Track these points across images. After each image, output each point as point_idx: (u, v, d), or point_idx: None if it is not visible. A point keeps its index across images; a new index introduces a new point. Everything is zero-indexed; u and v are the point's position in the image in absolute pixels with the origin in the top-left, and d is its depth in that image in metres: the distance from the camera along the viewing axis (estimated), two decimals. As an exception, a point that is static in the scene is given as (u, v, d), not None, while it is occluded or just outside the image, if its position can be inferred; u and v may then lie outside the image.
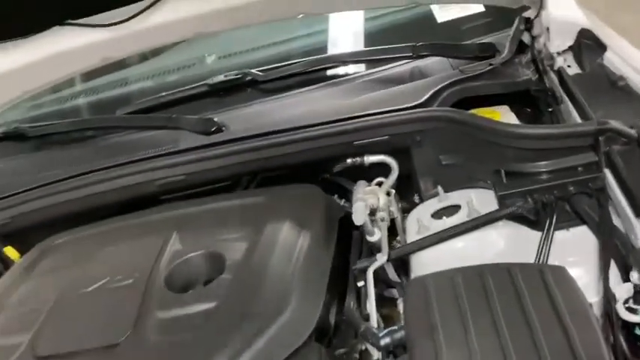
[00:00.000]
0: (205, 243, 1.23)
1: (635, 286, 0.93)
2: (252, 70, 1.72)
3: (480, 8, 1.66)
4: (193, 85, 1.76)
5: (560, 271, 0.97)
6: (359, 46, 1.83)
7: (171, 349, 0.99)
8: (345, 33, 1.94)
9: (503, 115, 1.42)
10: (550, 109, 1.48)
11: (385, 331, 1.02)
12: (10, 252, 1.57)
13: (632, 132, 1.15)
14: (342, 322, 1.21)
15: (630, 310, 0.92)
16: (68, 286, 1.21)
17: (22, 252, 1.59)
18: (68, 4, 1.35)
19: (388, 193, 1.38)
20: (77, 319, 1.12)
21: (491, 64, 1.47)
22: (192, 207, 1.41)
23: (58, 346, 1.05)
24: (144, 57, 2.04)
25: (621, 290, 0.96)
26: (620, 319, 0.94)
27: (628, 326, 0.94)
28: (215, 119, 1.58)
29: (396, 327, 1.02)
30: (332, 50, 1.87)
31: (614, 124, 1.17)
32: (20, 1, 1.31)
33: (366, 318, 1.13)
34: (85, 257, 1.31)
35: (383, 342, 1.01)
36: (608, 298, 0.97)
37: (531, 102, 1.55)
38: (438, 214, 1.31)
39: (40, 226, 1.57)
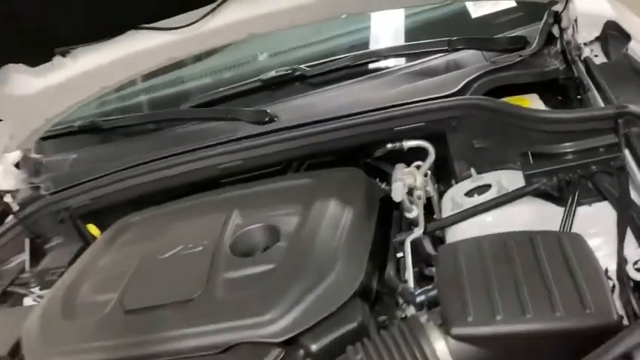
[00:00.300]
0: (262, 217, 1.40)
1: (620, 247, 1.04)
2: (301, 66, 1.88)
3: (511, 4, 1.77)
4: (248, 81, 1.93)
5: (576, 238, 1.09)
6: (399, 41, 1.96)
7: (236, 303, 1.16)
8: (386, 29, 2.07)
9: (532, 102, 1.53)
10: (579, 97, 1.58)
11: (420, 290, 1.17)
12: (92, 229, 1.80)
13: (648, 115, 1.26)
14: (384, 292, 1.36)
15: (639, 270, 1.04)
16: (147, 254, 1.41)
17: (101, 230, 1.82)
18: (142, 10, 1.54)
19: (425, 175, 1.52)
20: (157, 280, 1.31)
21: (520, 56, 1.59)
22: (249, 188, 1.59)
23: (142, 301, 1.24)
24: (198, 57, 2.23)
25: (633, 254, 1.07)
26: (630, 279, 1.05)
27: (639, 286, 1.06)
28: (268, 111, 1.76)
29: (429, 286, 1.17)
30: (373, 46, 2.00)
31: (633, 107, 1.28)
32: (101, 9, 1.51)
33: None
34: (159, 231, 1.51)
35: (418, 299, 1.15)
36: (621, 262, 1.09)
37: (561, 91, 1.66)
38: (470, 193, 1.45)
39: (116, 207, 1.79)
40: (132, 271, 1.35)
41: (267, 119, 1.74)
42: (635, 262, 1.05)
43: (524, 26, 1.71)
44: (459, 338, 0.97)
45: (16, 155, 2.11)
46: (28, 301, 1.67)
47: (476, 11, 1.82)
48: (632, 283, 1.06)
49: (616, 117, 1.29)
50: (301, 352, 1.09)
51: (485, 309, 0.97)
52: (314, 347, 1.09)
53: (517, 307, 0.96)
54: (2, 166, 2.00)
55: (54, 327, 1.29)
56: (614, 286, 1.08)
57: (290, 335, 1.09)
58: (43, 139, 2.06)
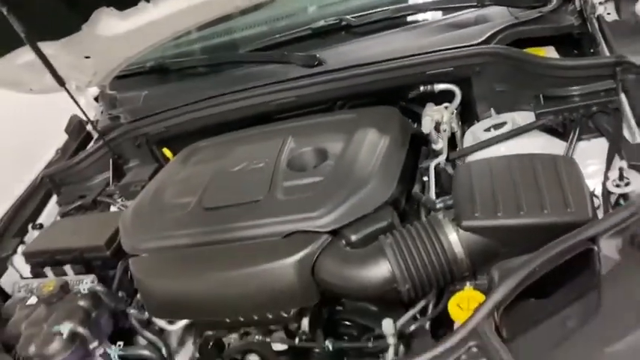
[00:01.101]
0: (313, 142, 1.69)
1: (620, 168, 1.30)
2: (347, 17, 2.13)
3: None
4: (299, 29, 2.20)
5: (568, 160, 1.36)
6: None
7: (293, 203, 1.46)
8: None
9: (548, 52, 1.77)
10: (592, 51, 1.81)
11: (440, 199, 1.46)
12: (166, 152, 2.13)
13: (643, 63, 1.49)
14: (411, 211, 1.64)
15: (616, 185, 1.30)
16: (218, 168, 1.72)
17: (173, 153, 2.15)
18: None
19: (452, 113, 1.78)
20: (228, 187, 1.62)
21: (540, 12, 1.81)
22: (301, 121, 1.88)
23: (218, 202, 1.56)
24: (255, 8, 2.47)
25: (613, 174, 1.33)
26: (610, 193, 1.32)
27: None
28: (317, 55, 2.03)
29: (447, 197, 1.46)
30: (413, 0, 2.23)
31: (631, 58, 1.51)
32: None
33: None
34: (226, 152, 1.82)
35: (438, 205, 1.44)
36: (605, 181, 1.35)
37: (576, 44, 1.88)
38: (488, 129, 1.71)
39: (186, 135, 2.10)
40: (207, 180, 1.67)
41: (315, 63, 2.01)
42: (614, 180, 1.31)
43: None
44: (467, 229, 1.26)
45: (95, 91, 2.45)
46: (113, 209, 2.02)
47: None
48: (612, 197, 1.33)
49: (615, 65, 1.52)
50: (343, 241, 1.40)
51: (489, 208, 1.26)
52: (353, 237, 1.39)
53: (514, 207, 1.24)
54: (85, 99, 2.34)
55: (145, 219, 1.63)
56: (607, 197, 1.34)
57: (335, 227, 1.39)
58: (117, 77, 2.37)
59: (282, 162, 1.63)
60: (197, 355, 1.70)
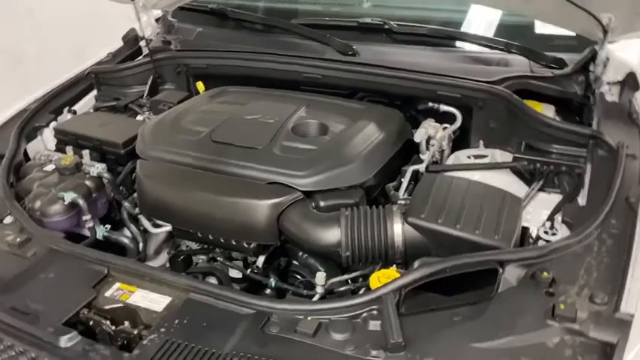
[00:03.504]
0: (320, 117, 1.93)
1: (553, 220, 1.53)
2: (391, 22, 2.34)
3: (571, 33, 2.15)
4: (348, 19, 2.41)
5: (516, 199, 1.58)
6: (488, 32, 2.34)
7: (284, 159, 1.70)
8: (482, 20, 2.45)
9: (546, 109, 1.96)
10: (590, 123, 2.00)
11: (402, 197, 1.70)
12: (199, 86, 2.39)
13: (613, 145, 1.69)
14: (381, 202, 1.87)
15: (545, 232, 1.53)
16: (235, 112, 1.98)
17: (205, 89, 2.41)
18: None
19: (448, 135, 2.00)
20: (237, 130, 1.87)
21: (553, 73, 2.01)
22: (320, 97, 2.12)
23: (225, 138, 1.81)
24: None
25: (547, 223, 1.56)
26: (539, 237, 1.54)
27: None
28: (353, 46, 2.26)
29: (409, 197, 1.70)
30: (466, 27, 2.36)
31: (605, 136, 1.72)
32: None
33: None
34: (247, 101, 2.07)
35: (399, 201, 1.68)
36: (540, 226, 1.57)
37: (579, 112, 2.08)
38: (470, 157, 1.93)
39: (221, 77, 2.36)
40: (222, 119, 1.93)
41: (350, 52, 2.24)
42: (545, 227, 1.54)
43: (569, 52, 2.11)
44: (411, 224, 1.50)
45: (158, 13, 2.71)
46: (139, 118, 2.29)
47: (541, 28, 2.22)
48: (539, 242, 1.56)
49: (590, 137, 1.73)
50: (313, 203, 1.65)
51: (434, 213, 1.50)
52: (321, 203, 1.64)
53: (454, 219, 1.48)
54: (147, 17, 2.60)
55: (162, 133, 1.89)
56: (535, 240, 1.57)
57: (310, 189, 1.64)
58: (180, 8, 2.63)
59: (288, 124, 1.87)
60: (167, 264, 1.98)
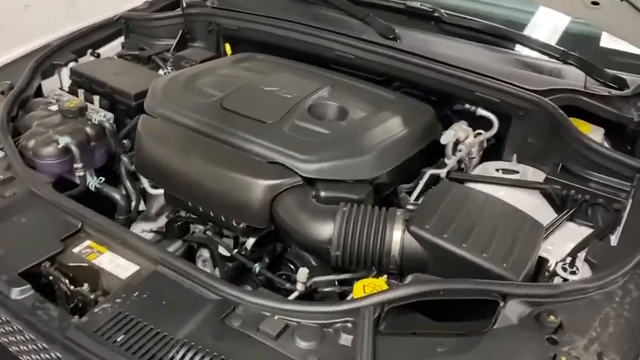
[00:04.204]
0: (342, 100, 1.77)
1: (575, 257, 1.34)
2: (441, 10, 2.16)
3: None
4: (395, 0, 2.24)
5: (537, 225, 1.40)
6: (552, 38, 2.13)
7: (292, 139, 1.56)
8: (547, 24, 2.24)
9: (593, 131, 1.76)
10: None
11: (411, 201, 1.54)
12: (227, 48, 2.26)
13: (663, 181, 1.48)
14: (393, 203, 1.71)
15: (564, 269, 1.34)
16: (254, 81, 1.84)
17: (233, 52, 2.28)
18: None
19: (480, 141, 1.82)
20: (251, 100, 1.74)
21: (609, 93, 1.79)
22: (348, 79, 1.96)
23: (235, 107, 1.68)
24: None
25: (568, 259, 1.37)
26: (556, 273, 1.36)
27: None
28: (396, 30, 2.08)
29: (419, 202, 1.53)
30: (530, 30, 2.18)
31: (654, 170, 1.51)
32: None
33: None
34: (270, 71, 1.93)
35: (408, 205, 1.51)
36: (559, 260, 1.39)
37: (632, 141, 1.85)
38: (499, 170, 1.74)
39: (250, 42, 2.23)
40: (238, 86, 1.80)
41: (391, 36, 2.07)
42: (565, 264, 1.35)
43: (633, 73, 1.88)
44: (412, 234, 1.34)
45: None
46: (160, 72, 2.19)
47: (607, 42, 1.99)
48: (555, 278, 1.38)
49: (637, 171, 1.52)
50: (313, 192, 1.50)
51: (440, 226, 1.33)
52: (322, 193, 1.50)
53: (462, 237, 1.31)
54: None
55: (173, 91, 1.78)
56: (551, 276, 1.39)
57: (312, 176, 1.49)
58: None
59: (306, 103, 1.73)
60: (164, 228, 1.88)
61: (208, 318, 1.16)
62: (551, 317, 1.14)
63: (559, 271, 1.35)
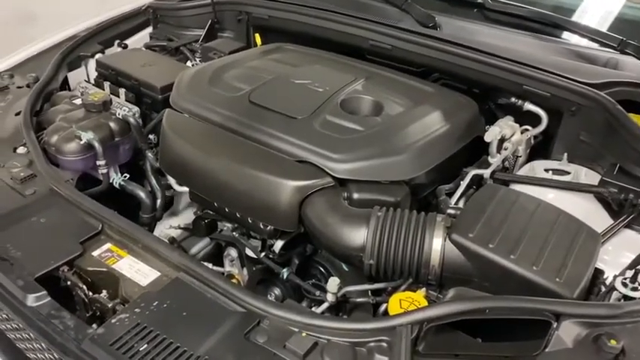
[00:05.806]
0: (377, 94, 1.65)
1: (638, 270, 1.20)
2: (487, -4, 2.01)
3: None
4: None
5: (594, 234, 1.26)
6: (603, 26, 1.96)
7: (323, 136, 1.46)
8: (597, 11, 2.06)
9: (654, 129, 1.60)
10: None
11: (452, 204, 1.42)
12: (257, 38, 2.17)
13: None
14: (433, 204, 1.60)
15: (624, 284, 1.20)
16: (284, 73, 1.74)
17: (263, 42, 2.19)
18: None
19: (527, 138, 1.68)
20: (280, 94, 1.64)
21: (673, 86, 1.62)
22: (384, 71, 1.84)
23: (263, 101, 1.59)
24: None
25: (629, 272, 1.23)
26: (615, 288, 1.22)
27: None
28: (436, 18, 1.95)
29: (462, 206, 1.41)
30: (578, 16, 2.01)
31: None
32: None
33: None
34: (301, 63, 1.83)
35: (449, 210, 1.40)
36: (617, 275, 1.25)
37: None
38: (548, 170, 1.60)
39: (282, 32, 2.13)
40: (267, 79, 1.70)
41: (431, 24, 1.94)
42: (626, 278, 1.21)
43: None
44: (454, 243, 1.22)
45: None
46: (189, 64, 2.10)
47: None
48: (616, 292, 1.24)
49: None
50: (345, 193, 1.40)
51: (486, 235, 1.20)
52: (355, 195, 1.39)
53: (510, 247, 1.18)
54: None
55: (199, 84, 1.69)
56: (609, 291, 1.25)
57: (344, 177, 1.39)
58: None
59: (339, 97, 1.62)
60: (191, 225, 1.81)
61: (231, 332, 1.08)
62: (612, 341, 1.01)
63: (618, 286, 1.21)
